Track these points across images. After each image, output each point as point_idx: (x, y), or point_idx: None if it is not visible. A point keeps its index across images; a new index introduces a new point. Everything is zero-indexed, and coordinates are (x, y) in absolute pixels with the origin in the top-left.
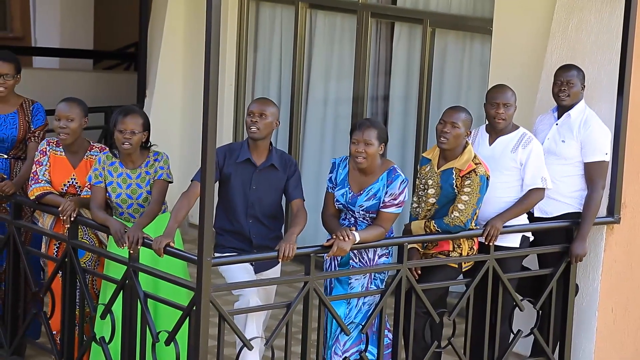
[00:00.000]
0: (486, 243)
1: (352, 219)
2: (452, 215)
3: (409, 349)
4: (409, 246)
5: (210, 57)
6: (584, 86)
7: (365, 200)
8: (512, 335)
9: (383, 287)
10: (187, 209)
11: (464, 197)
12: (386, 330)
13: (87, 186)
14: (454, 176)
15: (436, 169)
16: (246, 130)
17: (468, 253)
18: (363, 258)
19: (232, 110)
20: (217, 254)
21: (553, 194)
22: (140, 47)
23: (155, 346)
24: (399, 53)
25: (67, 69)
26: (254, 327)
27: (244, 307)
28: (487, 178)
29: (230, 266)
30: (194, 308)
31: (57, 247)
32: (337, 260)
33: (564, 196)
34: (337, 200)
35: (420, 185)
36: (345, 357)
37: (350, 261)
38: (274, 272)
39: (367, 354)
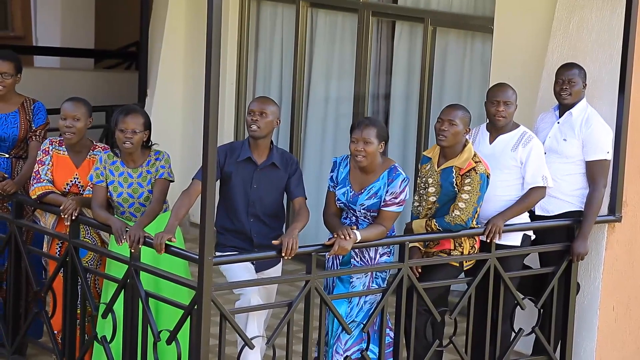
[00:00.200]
0: (487, 241)
1: (353, 217)
2: (453, 214)
3: (410, 348)
4: (410, 245)
5: (211, 56)
6: (586, 85)
7: (366, 199)
8: (513, 334)
9: (384, 285)
10: (187, 207)
11: (465, 196)
12: (387, 329)
13: (89, 185)
14: (454, 175)
15: (436, 168)
16: (247, 129)
17: (469, 252)
18: (364, 257)
19: (233, 109)
20: (218, 253)
21: (554, 193)
22: (141, 47)
23: (156, 345)
24: (400, 52)
25: (68, 68)
26: (255, 326)
27: (245, 306)
28: (487, 176)
29: (231, 265)
30: (195, 307)
31: (59, 247)
32: (339, 259)
33: (565, 195)
34: (338, 199)
35: (421, 184)
36: (347, 356)
37: (352, 260)
38: (275, 271)
39: (368, 352)
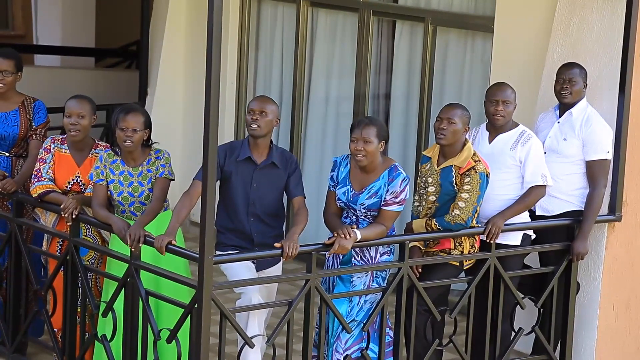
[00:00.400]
0: (487, 241)
1: (354, 217)
2: (453, 213)
3: (410, 347)
4: (411, 244)
5: (212, 55)
6: (586, 84)
7: (367, 199)
8: (513, 333)
9: (384, 285)
10: (189, 208)
11: (464, 195)
12: (387, 328)
13: (90, 184)
14: (453, 174)
15: (436, 167)
16: (246, 128)
17: (469, 251)
18: (365, 256)
19: (234, 109)
20: (218, 252)
21: (554, 192)
22: (141, 46)
23: (156, 344)
24: (401, 51)
25: (69, 67)
26: (255, 324)
27: (245, 305)
28: (487, 175)
29: (231, 264)
30: (196, 306)
31: (60, 245)
32: (339, 259)
33: (565, 194)
34: (339, 199)
35: (421, 184)
36: (347, 355)
37: (352, 259)
38: (276, 270)
39: (368, 351)
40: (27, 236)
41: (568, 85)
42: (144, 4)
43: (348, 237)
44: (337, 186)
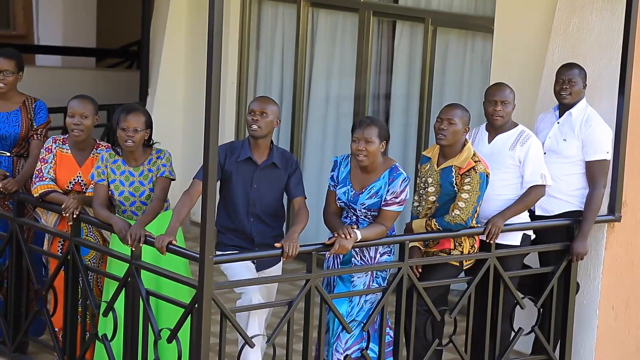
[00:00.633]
0: (487, 241)
1: (354, 217)
2: (453, 214)
3: (410, 347)
4: (410, 244)
5: (213, 56)
6: (586, 85)
7: (367, 199)
8: (512, 333)
9: (384, 285)
10: (189, 208)
11: (464, 195)
12: (387, 328)
13: (91, 184)
14: (453, 174)
15: (436, 167)
16: (247, 129)
17: (469, 251)
18: (365, 256)
19: (235, 109)
20: (218, 252)
21: (554, 192)
22: (142, 46)
23: (157, 343)
24: (401, 52)
25: (70, 67)
26: (255, 324)
27: (245, 305)
28: (486, 175)
29: (232, 264)
30: (196, 305)
31: (61, 245)
32: (339, 259)
33: (565, 194)
34: (339, 199)
35: (421, 184)
36: (347, 354)
37: (352, 259)
38: (276, 270)
39: (368, 351)
40: (28, 236)
41: (567, 86)
42: (145, 4)
43: (348, 237)
44: (337, 186)
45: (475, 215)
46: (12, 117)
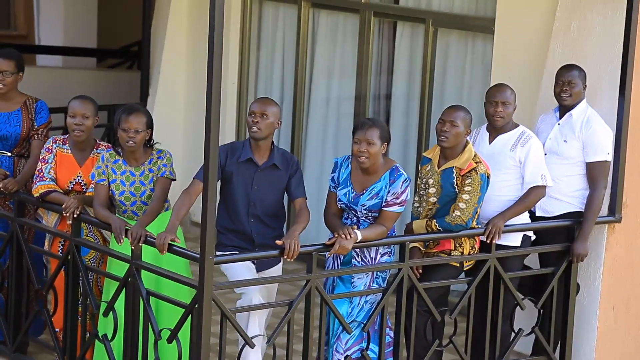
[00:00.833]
0: (488, 242)
1: (355, 218)
2: (454, 215)
3: (410, 348)
4: (411, 245)
5: (213, 56)
6: (586, 86)
7: (368, 200)
8: (513, 334)
9: (385, 285)
10: (188, 207)
11: (465, 196)
12: (387, 329)
13: (92, 184)
14: (454, 175)
15: (437, 168)
16: (248, 130)
17: (469, 252)
18: (365, 257)
19: (235, 109)
20: (219, 253)
21: (555, 194)
22: (143, 46)
23: (157, 344)
24: (401, 52)
25: (71, 67)
26: (256, 325)
27: (246, 305)
28: (487, 177)
29: (232, 264)
30: (196, 306)
31: (61, 245)
32: (340, 259)
33: (565, 195)
34: (340, 200)
35: (421, 185)
36: (347, 355)
37: (353, 260)
38: (276, 270)
39: (368, 352)
40: (29, 236)
41: (567, 87)
42: (146, 5)
43: (349, 237)
44: (337, 187)
45: (476, 216)
46: (13, 117)
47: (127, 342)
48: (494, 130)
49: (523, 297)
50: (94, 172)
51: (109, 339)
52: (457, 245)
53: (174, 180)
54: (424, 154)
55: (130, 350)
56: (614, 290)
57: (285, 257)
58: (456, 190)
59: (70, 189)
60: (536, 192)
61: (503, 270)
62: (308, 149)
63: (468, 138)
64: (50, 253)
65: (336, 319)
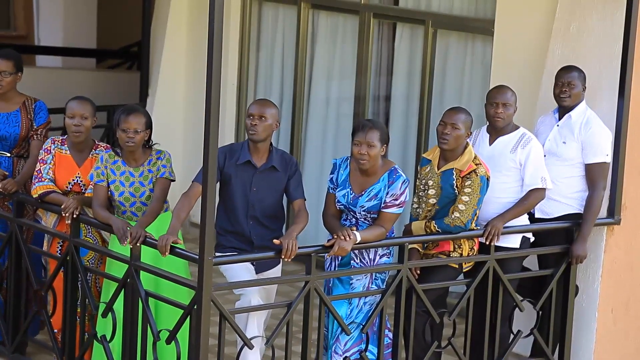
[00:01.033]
0: (486, 243)
1: (353, 219)
2: (453, 216)
3: (409, 349)
4: (410, 246)
5: (213, 57)
6: (585, 87)
7: (367, 201)
8: (512, 336)
9: (384, 287)
10: (188, 210)
11: (465, 198)
12: (386, 330)
13: (91, 184)
14: (454, 177)
15: (436, 170)
16: (246, 133)
17: (468, 253)
18: (364, 258)
19: (235, 110)
20: (218, 254)
21: (554, 195)
22: (143, 47)
23: (156, 345)
24: (401, 54)
25: (70, 67)
26: (255, 326)
27: (245, 306)
28: (487, 178)
29: (231, 265)
30: (195, 307)
31: (60, 246)
32: (338, 261)
33: (564, 197)
34: (339, 201)
35: (421, 186)
36: (346, 356)
37: (352, 261)
38: (275, 272)
39: (367, 353)
40: (28, 237)
41: (567, 89)
42: (146, 5)
43: (348, 238)
44: (336, 188)
45: (475, 218)
46: (12, 117)
47: (126, 343)
48: (495, 132)
49: (522, 298)
50: (92, 172)
51: (108, 339)
52: (456, 246)
53: (174, 180)
54: (424, 155)
55: (129, 351)
56: (613, 292)
57: (283, 257)
58: (456, 191)
59: (69, 189)
60: (536, 195)
61: (502, 271)
62: (307, 149)
63: (468, 140)
64: (49, 254)
65: (335, 320)
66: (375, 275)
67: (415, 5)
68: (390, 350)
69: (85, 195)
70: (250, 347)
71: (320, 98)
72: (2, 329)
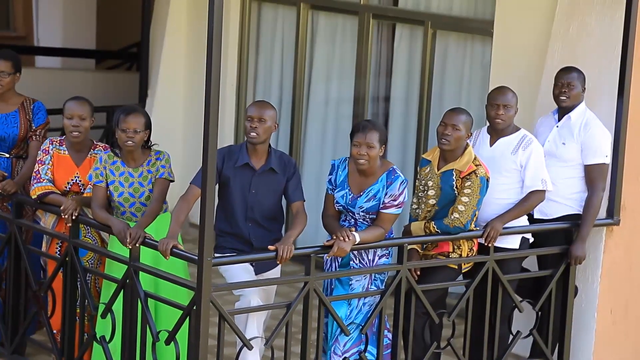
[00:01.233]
0: (486, 244)
1: (352, 220)
2: (452, 217)
3: (408, 350)
4: (409, 247)
5: (212, 58)
6: (585, 88)
7: (365, 202)
8: (511, 336)
9: (383, 287)
10: (186, 212)
11: (464, 199)
12: (386, 331)
13: (89, 185)
14: (454, 177)
15: (436, 171)
16: (245, 135)
17: (468, 254)
18: (363, 259)
19: (234, 111)
20: (217, 255)
21: (553, 196)
22: (142, 47)
23: (155, 345)
24: (400, 54)
25: (70, 68)
26: (254, 327)
27: (244, 307)
28: (487, 179)
29: (230, 266)
30: (194, 308)
31: (59, 247)
32: (338, 261)
33: (564, 198)
34: (337, 202)
35: (420, 187)
36: (345, 357)
37: (351, 262)
38: (274, 273)
39: (366, 354)
40: (27, 237)
41: (566, 90)
42: (145, 6)
43: (347, 239)
44: (335, 189)
45: (474, 219)
46: (10, 118)
47: (125, 344)
48: (495, 133)
49: (521, 299)
50: (91, 173)
51: (107, 340)
52: (456, 247)
53: (173, 181)
54: (423, 156)
55: (129, 352)
56: (612, 292)
57: (277, 261)
58: (456, 192)
59: (67, 190)
60: (536, 197)
61: (501, 272)
62: (307, 150)
63: (468, 141)
64: (48, 254)
65: (334, 321)
66: (375, 276)
67: (415, 6)
68: (389, 351)
69: (84, 195)
70: (250, 347)
71: (320, 99)
72: (1, 330)
